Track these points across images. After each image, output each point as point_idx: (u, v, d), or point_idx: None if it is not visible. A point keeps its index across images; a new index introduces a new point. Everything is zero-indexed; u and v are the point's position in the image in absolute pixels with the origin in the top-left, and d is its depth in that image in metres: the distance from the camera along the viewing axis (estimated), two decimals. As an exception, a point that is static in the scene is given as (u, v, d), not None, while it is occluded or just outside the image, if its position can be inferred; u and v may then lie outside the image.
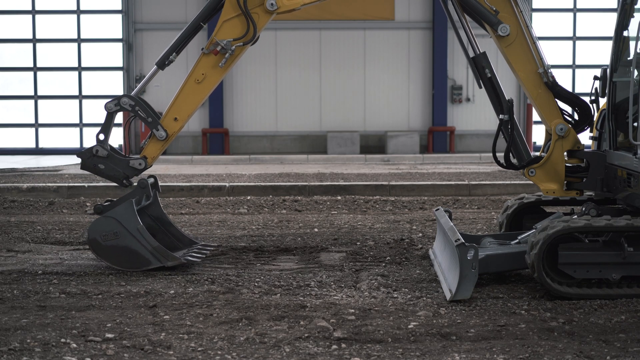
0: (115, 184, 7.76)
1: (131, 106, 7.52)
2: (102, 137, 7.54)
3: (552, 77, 7.24)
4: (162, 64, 7.60)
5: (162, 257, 7.20)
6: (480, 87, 7.33)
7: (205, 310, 5.84)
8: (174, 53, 7.58)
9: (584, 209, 6.93)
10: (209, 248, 8.01)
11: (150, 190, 7.69)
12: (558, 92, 7.26)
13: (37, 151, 22.70)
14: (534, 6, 22.42)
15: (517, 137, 7.30)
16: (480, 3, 7.22)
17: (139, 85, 7.75)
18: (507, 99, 7.29)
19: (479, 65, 7.29)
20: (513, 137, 7.26)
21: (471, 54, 7.34)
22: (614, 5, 21.48)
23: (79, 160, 7.57)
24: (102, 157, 7.51)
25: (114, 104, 7.52)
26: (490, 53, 7.40)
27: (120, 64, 22.41)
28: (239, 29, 7.42)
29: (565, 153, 7.27)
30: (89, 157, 7.53)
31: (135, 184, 7.65)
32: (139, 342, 5.05)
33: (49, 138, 22.78)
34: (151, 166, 7.64)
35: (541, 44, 7.32)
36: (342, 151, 21.34)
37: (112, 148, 7.59)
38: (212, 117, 22.07)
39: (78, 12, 22.45)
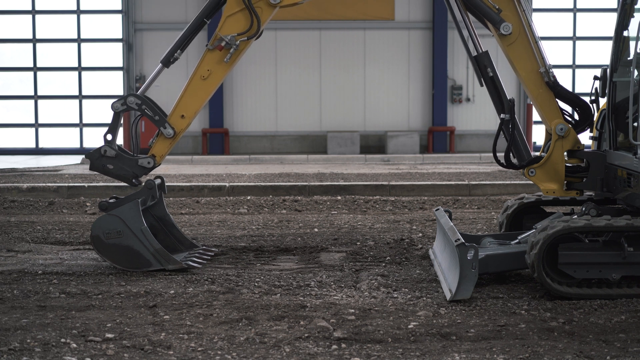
0: (115, 184, 7.77)
1: (138, 105, 7.50)
2: (109, 137, 7.54)
3: (554, 76, 7.23)
4: (167, 61, 7.61)
5: (164, 260, 7.20)
6: (482, 86, 7.32)
7: (205, 310, 5.83)
8: (179, 50, 7.59)
9: (584, 209, 6.93)
10: (209, 253, 7.98)
11: (157, 191, 7.71)
12: (559, 92, 7.26)
13: (37, 151, 22.70)
14: (534, 6, 22.42)
15: (518, 137, 7.29)
16: (483, 1, 7.21)
17: (144, 84, 7.70)
18: (508, 98, 7.28)
19: (481, 64, 7.28)
20: (514, 136, 7.25)
21: (473, 53, 7.33)
22: (614, 5, 21.48)
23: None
24: (110, 157, 7.52)
25: (121, 104, 7.51)
26: (490, 52, 7.39)
27: (120, 64, 22.41)
28: (243, 24, 7.43)
29: (565, 153, 7.27)
30: (97, 158, 7.54)
31: (143, 183, 7.67)
32: (139, 342, 5.05)
33: (49, 138, 22.78)
34: (160, 164, 7.66)
35: (542, 44, 7.31)
36: (342, 151, 21.34)
37: (120, 148, 7.59)
38: (212, 117, 22.07)
39: (78, 12, 22.45)
